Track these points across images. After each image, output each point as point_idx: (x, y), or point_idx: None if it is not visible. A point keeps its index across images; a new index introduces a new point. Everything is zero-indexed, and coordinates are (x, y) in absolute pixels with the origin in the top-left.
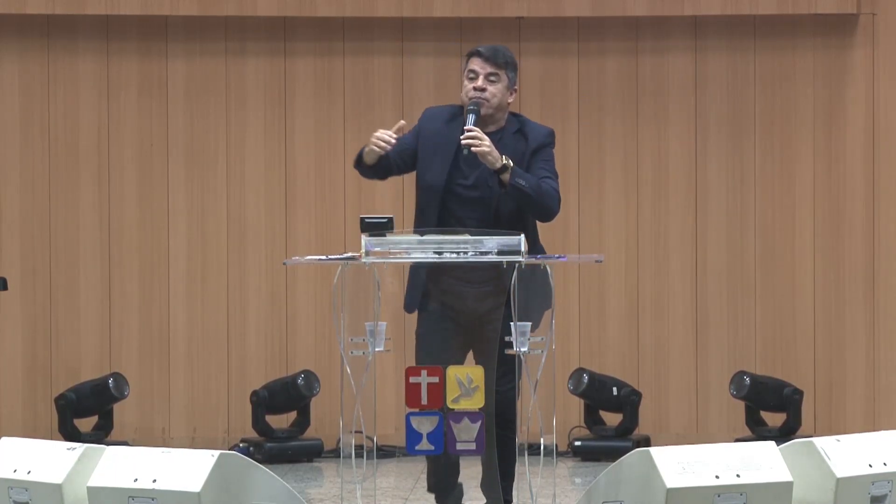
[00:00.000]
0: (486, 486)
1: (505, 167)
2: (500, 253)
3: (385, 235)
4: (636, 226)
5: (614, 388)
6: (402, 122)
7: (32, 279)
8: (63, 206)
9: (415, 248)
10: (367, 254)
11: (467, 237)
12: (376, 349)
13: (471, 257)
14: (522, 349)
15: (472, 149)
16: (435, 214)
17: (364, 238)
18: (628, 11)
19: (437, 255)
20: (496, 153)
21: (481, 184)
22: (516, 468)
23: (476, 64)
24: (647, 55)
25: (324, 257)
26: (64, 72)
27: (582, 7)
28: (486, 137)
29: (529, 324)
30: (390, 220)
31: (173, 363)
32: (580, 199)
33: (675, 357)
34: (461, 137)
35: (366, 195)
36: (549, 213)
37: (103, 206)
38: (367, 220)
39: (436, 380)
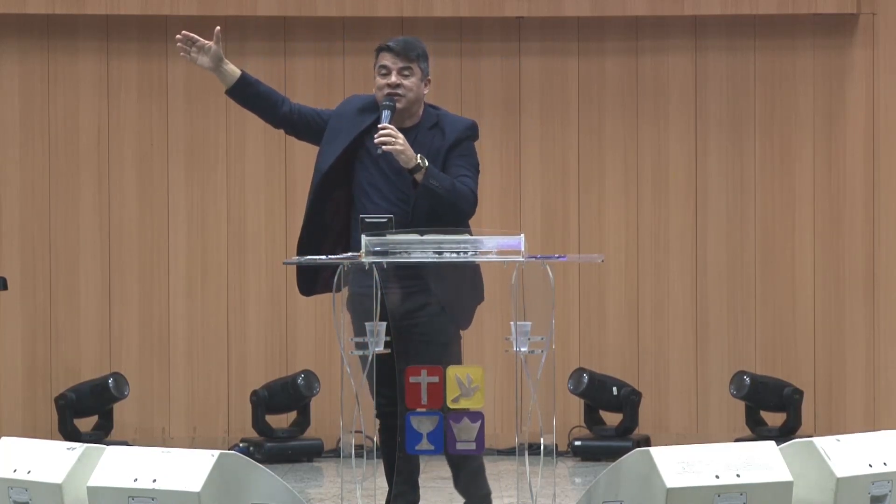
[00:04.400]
0: (461, 486)
1: (418, 166)
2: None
3: (385, 235)
4: (636, 226)
5: (614, 388)
6: (218, 27)
7: (32, 279)
8: (63, 206)
9: (415, 247)
10: (367, 254)
11: (467, 237)
12: (376, 349)
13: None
14: (522, 349)
15: (385, 147)
16: (311, 196)
17: (364, 238)
18: (628, 11)
19: (437, 256)
20: (410, 152)
21: (401, 181)
22: (517, 468)
23: (387, 59)
24: (647, 55)
25: (324, 257)
26: (64, 72)
27: (582, 7)
28: (399, 135)
29: (529, 324)
30: (390, 219)
31: (173, 363)
32: (580, 199)
33: (675, 357)
34: (375, 136)
35: None
36: (461, 215)
37: (103, 206)
38: (367, 220)
39: (436, 380)
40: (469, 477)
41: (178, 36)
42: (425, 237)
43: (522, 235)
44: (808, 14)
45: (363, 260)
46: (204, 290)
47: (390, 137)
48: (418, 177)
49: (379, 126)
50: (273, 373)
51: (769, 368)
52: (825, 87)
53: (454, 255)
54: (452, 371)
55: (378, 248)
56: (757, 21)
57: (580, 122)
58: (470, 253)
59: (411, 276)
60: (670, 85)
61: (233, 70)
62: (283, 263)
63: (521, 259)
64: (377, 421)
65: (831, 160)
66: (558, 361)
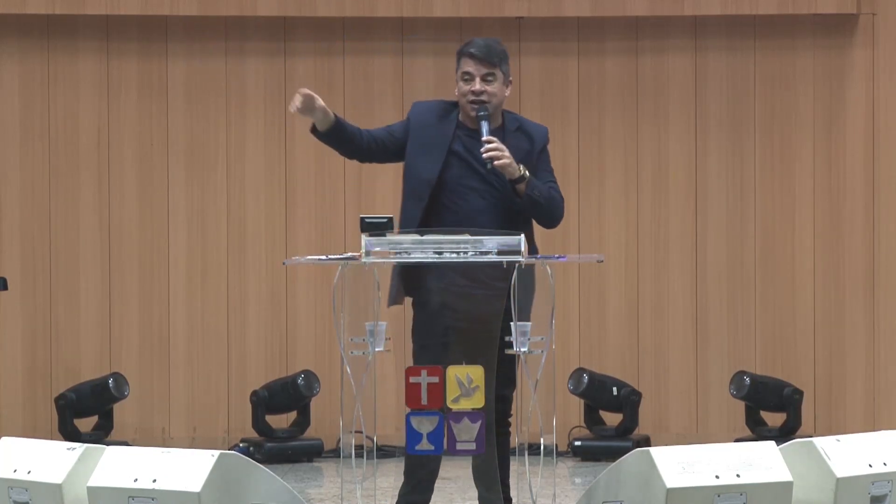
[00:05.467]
0: (478, 477)
1: (522, 177)
2: (499, 253)
3: (385, 235)
4: (636, 226)
5: (614, 388)
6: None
7: (32, 279)
8: (63, 206)
9: (415, 247)
10: (367, 254)
11: (467, 237)
12: (376, 349)
13: (471, 257)
14: (522, 349)
15: (495, 162)
16: (420, 208)
17: (364, 238)
18: (628, 11)
19: (436, 256)
20: (515, 164)
21: (500, 182)
22: (517, 468)
23: (470, 66)
24: (647, 55)
25: (324, 257)
26: (64, 72)
27: (582, 7)
28: (505, 148)
29: (529, 324)
30: (390, 219)
31: (173, 363)
32: (580, 199)
33: (675, 357)
34: (482, 151)
35: (366, 195)
36: (555, 221)
37: (103, 206)
38: (366, 220)
39: (436, 380)
40: (492, 470)
41: (298, 105)
42: (425, 237)
43: (522, 235)
44: (808, 14)
45: (363, 260)
46: (204, 290)
47: (498, 151)
48: (521, 187)
49: (484, 140)
50: (273, 373)
51: (769, 368)
52: (825, 88)
53: (454, 255)
54: (452, 371)
55: (378, 249)
56: (757, 21)
57: (580, 122)
58: (470, 253)
59: (500, 277)
60: (670, 85)
61: (327, 113)
62: (283, 263)
63: (521, 259)
64: None
65: (831, 160)
66: (558, 361)
